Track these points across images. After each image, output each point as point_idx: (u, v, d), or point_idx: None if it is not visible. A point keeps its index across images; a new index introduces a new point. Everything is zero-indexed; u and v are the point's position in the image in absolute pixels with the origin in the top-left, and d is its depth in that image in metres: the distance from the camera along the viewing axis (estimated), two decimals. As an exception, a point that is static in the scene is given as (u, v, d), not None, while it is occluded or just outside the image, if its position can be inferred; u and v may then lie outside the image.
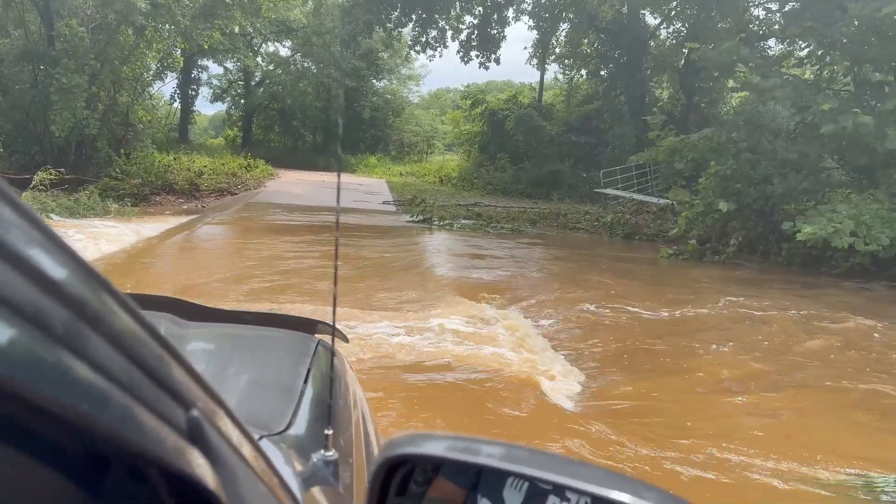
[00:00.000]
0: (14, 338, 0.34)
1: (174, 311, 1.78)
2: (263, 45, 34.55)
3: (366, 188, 23.13)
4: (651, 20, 25.94)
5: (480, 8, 25.33)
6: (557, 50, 29.40)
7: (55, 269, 0.38)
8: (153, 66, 21.96)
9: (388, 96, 38.28)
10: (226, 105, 37.73)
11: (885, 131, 11.73)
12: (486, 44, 26.22)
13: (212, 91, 36.31)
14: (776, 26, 17.91)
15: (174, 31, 18.54)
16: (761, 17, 19.55)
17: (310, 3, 31.29)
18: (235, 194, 19.38)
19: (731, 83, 18.34)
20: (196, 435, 0.54)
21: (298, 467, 1.07)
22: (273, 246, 11.38)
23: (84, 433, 0.41)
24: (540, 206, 20.74)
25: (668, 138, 14.81)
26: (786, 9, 16.54)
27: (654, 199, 19.94)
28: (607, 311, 8.32)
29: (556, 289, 9.65)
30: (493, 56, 26.41)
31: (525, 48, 29.84)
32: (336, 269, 1.20)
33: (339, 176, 1.47)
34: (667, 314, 8.36)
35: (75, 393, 0.39)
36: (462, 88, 34.84)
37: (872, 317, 8.46)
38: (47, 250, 0.39)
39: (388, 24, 24.79)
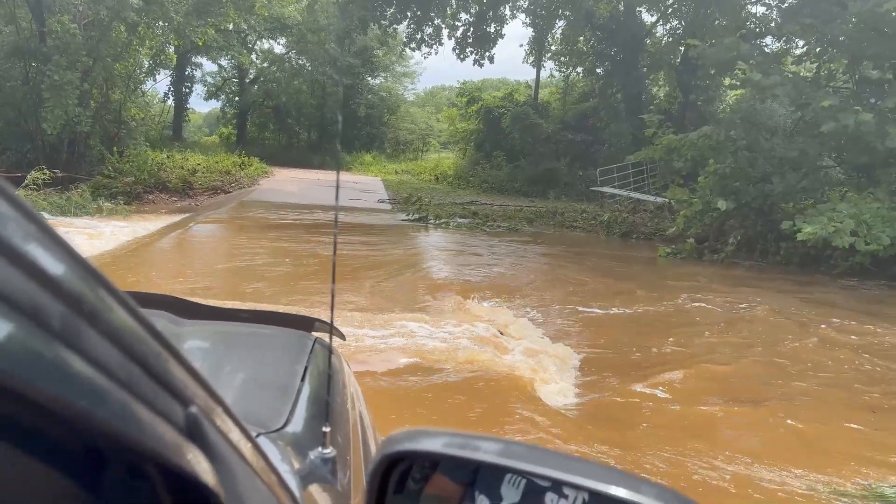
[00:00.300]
0: (11, 333, 0.34)
1: (170, 308, 1.77)
2: (258, 43, 34.42)
3: (361, 186, 23.00)
4: (647, 17, 25.97)
5: (476, 5, 25.25)
6: (553, 47, 29.37)
7: (52, 265, 0.38)
8: (146, 63, 21.80)
9: (384, 94, 38.14)
10: (220, 103, 37.65)
11: (886, 129, 11.69)
12: (481, 41, 26.15)
13: (206, 88, 36.23)
14: (772, 24, 17.85)
15: (167, 28, 18.42)
16: (758, 15, 19.48)
17: (304, -1, 31.16)
18: (229, 192, 19.26)
19: (728, 81, 18.25)
20: (194, 432, 0.54)
21: (296, 464, 1.07)
22: (266, 245, 11.29)
23: (82, 429, 0.41)
24: (536, 205, 20.66)
25: (667, 136, 14.75)
26: (784, 6, 16.48)
27: (651, 198, 19.86)
28: (604, 310, 8.32)
29: (551, 288, 9.62)
30: (488, 53, 26.35)
31: (521, 45, 29.62)
32: (334, 267, 1.19)
33: (337, 174, 1.39)
34: (665, 313, 8.34)
35: (73, 389, 0.39)
36: (458, 86, 34.62)
37: (873, 317, 8.42)
38: (44, 246, 0.38)
39: (384, 21, 24.71)
